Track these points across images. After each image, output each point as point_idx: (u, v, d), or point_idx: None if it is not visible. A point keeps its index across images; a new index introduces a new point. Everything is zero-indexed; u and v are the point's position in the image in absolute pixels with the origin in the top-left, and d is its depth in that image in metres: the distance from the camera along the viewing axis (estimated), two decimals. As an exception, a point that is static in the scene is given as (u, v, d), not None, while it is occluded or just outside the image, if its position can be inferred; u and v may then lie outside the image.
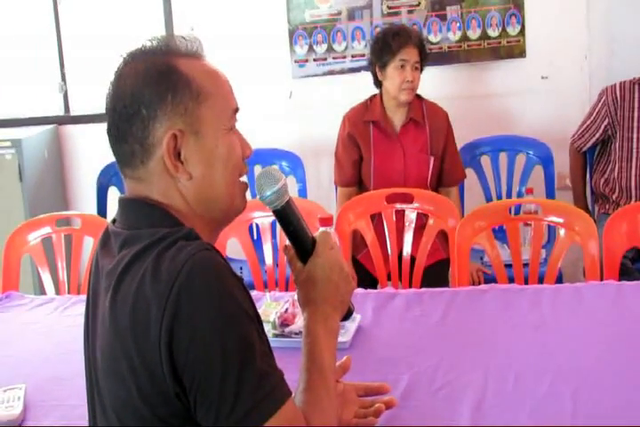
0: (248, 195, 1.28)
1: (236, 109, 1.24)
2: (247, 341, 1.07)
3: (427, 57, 2.99)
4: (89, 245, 2.44)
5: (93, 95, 3.71)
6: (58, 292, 2.59)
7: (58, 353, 1.88)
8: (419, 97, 3.06)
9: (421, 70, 2.98)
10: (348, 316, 1.37)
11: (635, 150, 3.21)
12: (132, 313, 1.08)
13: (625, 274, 2.51)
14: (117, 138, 1.18)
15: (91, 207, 3.57)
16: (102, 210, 3.47)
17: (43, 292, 2.67)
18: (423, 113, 3.03)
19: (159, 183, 1.18)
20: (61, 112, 4.01)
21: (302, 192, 3.42)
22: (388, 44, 2.92)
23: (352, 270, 2.81)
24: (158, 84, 1.15)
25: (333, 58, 3.77)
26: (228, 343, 1.05)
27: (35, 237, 2.60)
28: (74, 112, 4.00)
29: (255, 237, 2.88)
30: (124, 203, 1.23)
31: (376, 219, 2.73)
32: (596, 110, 3.28)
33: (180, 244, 1.11)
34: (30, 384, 1.69)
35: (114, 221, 1.24)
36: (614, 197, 3.25)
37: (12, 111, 4.05)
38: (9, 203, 3.60)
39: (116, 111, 1.16)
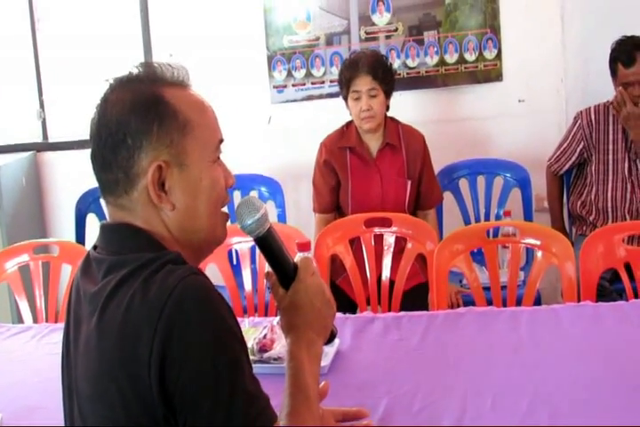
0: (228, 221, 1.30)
1: (221, 140, 1.25)
2: (237, 364, 1.09)
3: (388, 79, 2.96)
4: (67, 272, 2.43)
5: (72, 122, 3.74)
6: (35, 320, 2.58)
7: (34, 382, 1.87)
8: (394, 121, 3.09)
9: (389, 94, 2.98)
10: (331, 339, 1.38)
11: (610, 173, 3.25)
12: (120, 336, 1.09)
13: (603, 295, 2.52)
14: (102, 165, 1.19)
15: (69, 234, 3.56)
16: (81, 237, 3.46)
17: (20, 320, 2.65)
18: (399, 137, 3.04)
19: (142, 212, 1.19)
20: (40, 139, 4.01)
21: (282, 217, 3.42)
22: (342, 79, 3.00)
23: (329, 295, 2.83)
24: (145, 114, 1.16)
25: (312, 83, 3.81)
26: (219, 366, 1.06)
27: (12, 265, 2.59)
28: (52, 139, 4.00)
29: (234, 263, 2.89)
30: (106, 229, 1.23)
31: (355, 243, 2.73)
32: (572, 134, 3.32)
33: (168, 267, 1.12)
34: (6, 413, 1.68)
35: (94, 247, 1.24)
36: (591, 218, 3.28)
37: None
38: (-14, 231, 3.59)
39: (102, 138, 1.17)
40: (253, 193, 3.47)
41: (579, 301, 2.28)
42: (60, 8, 3.95)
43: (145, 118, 1.16)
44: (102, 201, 1.25)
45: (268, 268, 1.34)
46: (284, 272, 1.32)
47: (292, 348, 1.28)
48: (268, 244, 1.30)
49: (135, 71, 1.22)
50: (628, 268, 2.42)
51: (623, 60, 3.10)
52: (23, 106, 4.02)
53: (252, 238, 1.31)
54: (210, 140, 1.23)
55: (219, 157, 1.25)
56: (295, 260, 1.35)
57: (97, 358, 1.13)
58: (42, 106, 3.98)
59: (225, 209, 1.27)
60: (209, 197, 1.21)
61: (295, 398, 1.22)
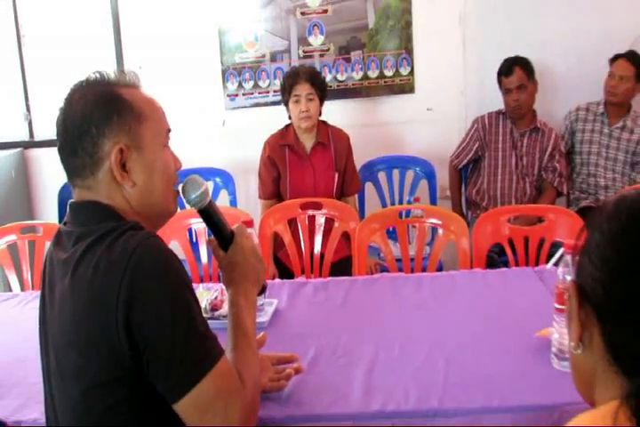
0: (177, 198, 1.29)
1: (169, 130, 1.26)
2: (190, 309, 1.10)
3: (322, 87, 2.99)
4: (49, 248, 2.38)
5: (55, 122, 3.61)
6: (23, 289, 2.51)
7: (20, 340, 1.83)
8: (325, 124, 3.09)
9: (322, 99, 2.99)
10: (262, 291, 1.39)
11: (500, 166, 3.32)
12: (91, 291, 1.09)
13: (492, 265, 2.57)
14: (69, 153, 1.18)
15: (53, 218, 3.48)
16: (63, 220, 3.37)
17: (10, 290, 2.57)
18: (329, 137, 3.05)
19: (106, 190, 1.19)
20: (26, 137, 3.89)
21: (233, 203, 3.41)
22: (284, 86, 2.99)
23: (271, 263, 2.83)
24: (105, 108, 1.16)
25: (259, 93, 3.78)
26: (175, 311, 1.07)
27: (1, 244, 2.53)
28: (37, 137, 3.89)
29: (193, 240, 2.87)
30: (74, 206, 1.22)
31: (292, 223, 2.74)
32: (469, 135, 3.38)
33: (129, 233, 1.12)
34: (-4, 365, 1.65)
35: (65, 223, 1.23)
36: (484, 204, 3.34)
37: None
38: (-21, 215, 3.48)
39: (68, 131, 1.17)
40: (209, 183, 3.44)
41: (471, 268, 2.32)
42: (42, 11, 3.79)
43: (106, 111, 1.16)
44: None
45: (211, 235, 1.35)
46: (223, 237, 1.33)
47: (232, 297, 1.30)
48: (209, 214, 1.30)
49: (93, 76, 1.22)
50: (511, 243, 2.48)
51: (504, 71, 3.25)
52: (11, 108, 3.89)
53: (197, 212, 1.31)
54: (160, 128, 1.23)
55: (168, 143, 1.25)
56: (233, 227, 1.35)
57: (71, 311, 1.12)
58: (28, 109, 3.87)
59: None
60: (162, 175, 1.22)
61: (236, 335, 1.24)
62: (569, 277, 1.45)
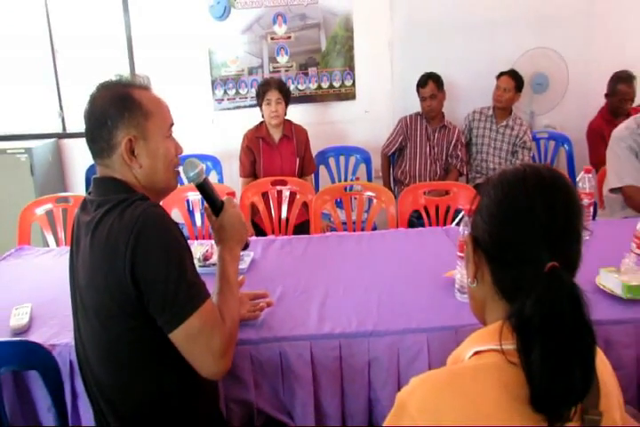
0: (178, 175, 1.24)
1: (172, 124, 1.19)
2: (181, 261, 1.05)
3: (287, 94, 2.91)
4: (78, 215, 2.28)
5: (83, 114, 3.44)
6: (58, 245, 2.41)
7: (55, 284, 1.75)
8: (289, 121, 3.02)
9: (287, 103, 2.91)
10: (245, 247, 1.36)
11: (418, 154, 3.32)
12: (105, 247, 1.05)
13: (412, 226, 2.59)
14: (91, 139, 1.13)
15: (81, 192, 3.36)
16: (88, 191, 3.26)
17: (48, 246, 2.46)
18: (292, 131, 2.99)
19: (120, 169, 1.13)
20: (60, 130, 3.71)
21: (220, 181, 3.34)
22: (259, 92, 2.91)
23: (250, 226, 2.78)
24: (119, 105, 1.10)
25: (240, 98, 3.68)
26: (169, 263, 1.03)
27: (41, 211, 2.41)
28: (69, 130, 3.71)
29: (190, 209, 2.79)
30: (97, 180, 1.17)
31: (265, 195, 2.69)
32: (396, 131, 3.36)
33: (137, 203, 1.07)
34: (35, 304, 1.58)
35: (89, 193, 1.18)
36: (407, 181, 3.34)
37: (25, 129, 3.70)
38: (24, 190, 3.34)
39: (91, 122, 1.11)
40: (202, 165, 3.36)
41: (397, 228, 2.32)
42: (70, 12, 3.51)
43: (119, 108, 1.10)
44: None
45: (205, 204, 1.30)
46: (216, 206, 1.28)
47: (220, 253, 1.26)
48: (204, 188, 1.26)
49: (113, 79, 1.15)
50: (426, 209, 2.49)
51: (421, 84, 3.23)
52: (47, 107, 3.67)
53: (195, 186, 1.26)
54: (164, 123, 1.17)
55: (171, 134, 1.19)
56: (223, 199, 1.31)
57: (90, 261, 1.08)
58: (61, 108, 3.67)
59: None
60: (163, 159, 1.16)
61: (221, 283, 1.20)
62: (467, 232, 1.45)
